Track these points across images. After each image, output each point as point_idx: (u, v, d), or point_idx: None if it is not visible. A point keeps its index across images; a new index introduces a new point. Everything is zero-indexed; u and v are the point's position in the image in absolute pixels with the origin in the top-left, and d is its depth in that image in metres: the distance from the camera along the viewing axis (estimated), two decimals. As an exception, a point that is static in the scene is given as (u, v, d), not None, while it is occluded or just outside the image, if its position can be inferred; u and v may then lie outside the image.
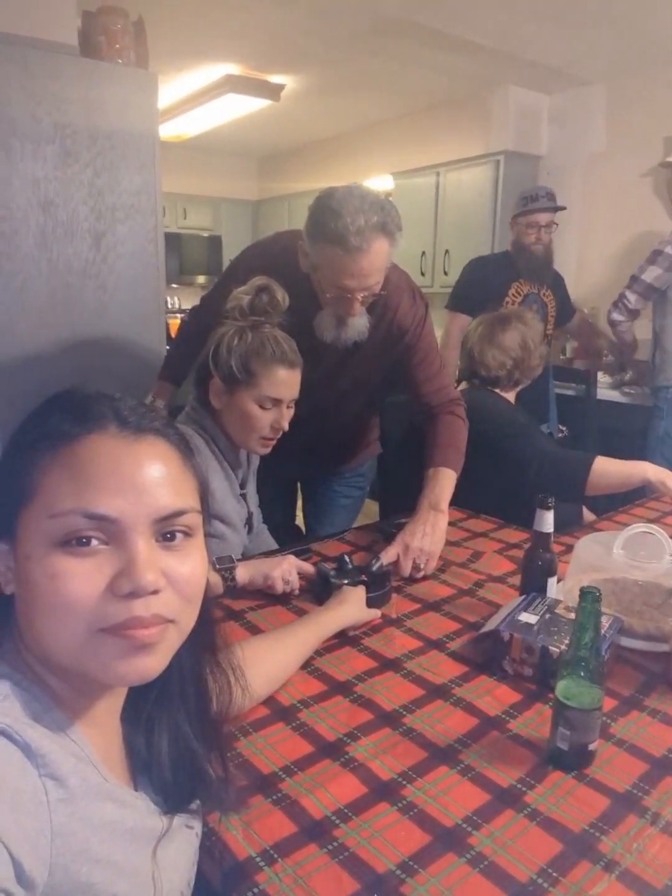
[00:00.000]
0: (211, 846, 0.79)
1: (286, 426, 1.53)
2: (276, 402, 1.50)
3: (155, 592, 0.58)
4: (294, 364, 1.51)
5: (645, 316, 3.26)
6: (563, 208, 3.37)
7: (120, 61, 2.52)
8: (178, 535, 0.61)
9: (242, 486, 1.66)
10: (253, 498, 1.72)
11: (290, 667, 1.13)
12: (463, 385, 2.16)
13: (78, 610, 0.56)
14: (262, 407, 1.50)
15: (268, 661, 1.08)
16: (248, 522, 1.68)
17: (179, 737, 0.71)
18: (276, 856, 0.78)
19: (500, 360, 2.08)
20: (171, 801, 0.69)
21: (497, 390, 2.11)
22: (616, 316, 3.11)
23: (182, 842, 0.71)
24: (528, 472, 1.86)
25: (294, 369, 1.51)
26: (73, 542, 0.56)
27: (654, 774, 0.91)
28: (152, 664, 0.60)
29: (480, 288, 3.18)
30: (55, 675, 0.61)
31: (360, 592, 1.33)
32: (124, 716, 0.70)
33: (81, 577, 0.56)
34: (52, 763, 0.55)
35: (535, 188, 3.35)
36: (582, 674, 0.91)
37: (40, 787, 0.54)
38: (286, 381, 1.50)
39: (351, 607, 1.29)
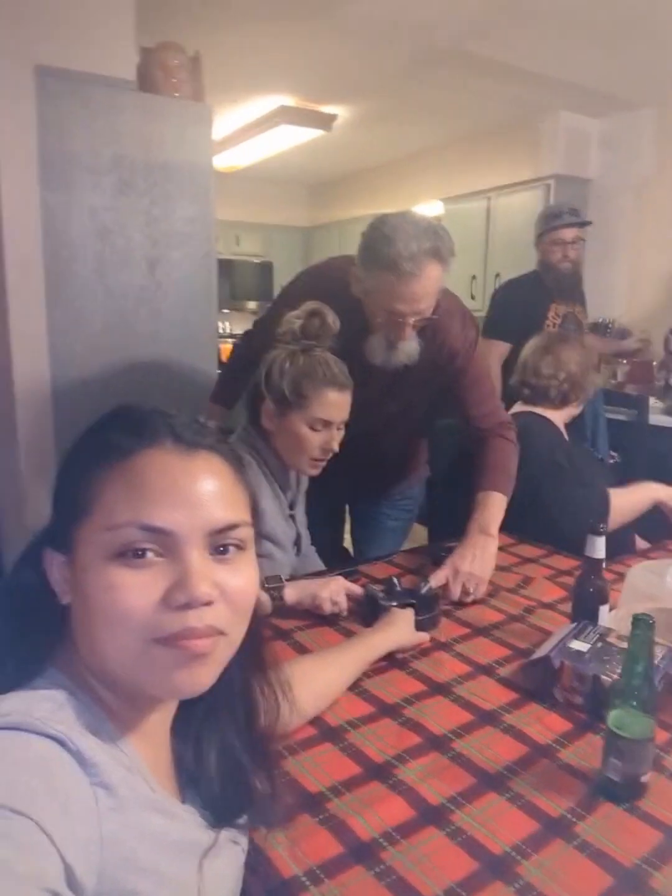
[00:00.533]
0: (256, 864, 0.79)
1: (336, 448, 1.55)
2: (327, 424, 1.52)
3: (208, 604, 0.59)
4: (345, 386, 1.53)
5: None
6: (589, 223, 3.32)
7: (176, 95, 2.60)
8: (231, 549, 0.63)
9: (291, 507, 1.67)
10: (302, 519, 1.73)
11: (339, 686, 1.13)
12: (515, 407, 2.14)
13: (133, 621, 0.57)
14: (313, 429, 1.52)
15: (316, 680, 1.09)
16: (297, 543, 1.70)
17: (228, 750, 0.72)
18: (321, 876, 0.78)
19: (553, 371, 2.06)
20: (219, 815, 0.70)
21: (546, 410, 2.08)
22: None
23: (228, 857, 0.71)
24: (555, 518, 1.85)
25: (345, 392, 1.53)
26: (129, 555, 0.58)
27: (709, 809, 0.89)
28: (204, 676, 0.61)
29: (517, 311, 3.12)
30: (108, 687, 0.62)
31: (409, 615, 1.33)
32: (174, 730, 0.71)
33: (137, 589, 0.57)
34: (103, 772, 0.57)
35: (557, 205, 3.31)
36: (634, 703, 0.89)
37: (92, 795, 0.55)
38: (337, 403, 1.52)
39: (400, 629, 1.29)
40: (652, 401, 3.59)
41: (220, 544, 0.62)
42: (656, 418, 3.54)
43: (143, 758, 0.63)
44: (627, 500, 1.82)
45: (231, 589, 0.62)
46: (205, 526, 0.60)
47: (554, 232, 3.16)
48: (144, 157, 2.45)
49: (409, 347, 1.66)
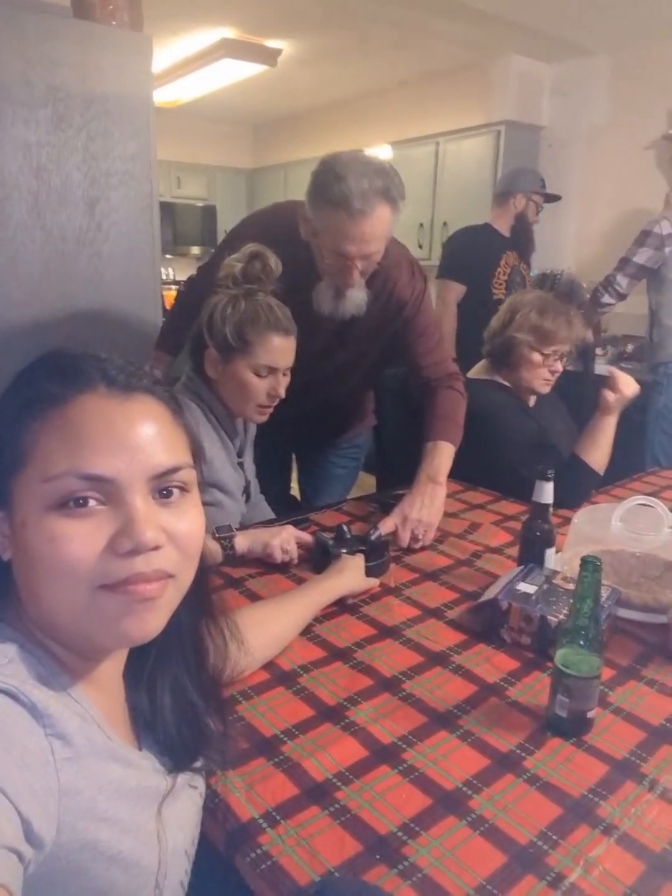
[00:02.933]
0: (214, 808, 0.80)
1: (283, 393, 1.53)
2: (272, 370, 1.50)
3: (156, 549, 0.58)
4: (289, 331, 1.50)
5: (639, 291, 3.25)
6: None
7: (114, 23, 2.46)
8: (175, 492, 0.61)
9: (240, 454, 1.65)
10: (250, 467, 1.71)
11: (290, 632, 1.14)
12: (480, 365, 2.12)
13: (78, 570, 0.56)
14: (258, 375, 1.49)
15: (268, 626, 1.09)
16: (246, 491, 1.68)
17: (180, 693, 0.72)
18: (278, 817, 0.79)
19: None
20: (176, 758, 0.70)
21: (509, 382, 2.04)
22: (607, 299, 3.09)
23: (186, 800, 0.72)
24: (512, 487, 1.84)
25: (289, 336, 1.50)
26: (71, 504, 0.56)
27: (651, 742, 0.92)
28: (153, 621, 0.60)
29: (474, 256, 3.22)
30: (57, 639, 0.61)
31: (358, 561, 1.34)
32: (126, 677, 0.71)
33: (80, 539, 0.56)
34: (57, 723, 0.56)
35: (539, 172, 3.43)
36: (581, 642, 0.91)
37: (47, 746, 0.55)
38: (281, 349, 1.49)
39: (350, 575, 1.29)
40: (597, 351, 3.65)
41: (162, 488, 0.60)
42: (601, 368, 3.61)
43: (97, 707, 0.62)
44: (594, 439, 1.82)
45: (178, 532, 0.60)
46: (146, 470, 0.59)
47: (543, 195, 3.35)
48: (81, 90, 2.32)
49: (357, 297, 1.64)
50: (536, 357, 1.96)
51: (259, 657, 1.06)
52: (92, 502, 0.57)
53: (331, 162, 1.50)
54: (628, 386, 1.80)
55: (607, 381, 1.83)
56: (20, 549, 0.58)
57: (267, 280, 1.50)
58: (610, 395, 1.80)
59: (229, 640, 0.79)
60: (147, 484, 0.59)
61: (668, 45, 3.78)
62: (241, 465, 1.65)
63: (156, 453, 0.60)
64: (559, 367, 2.00)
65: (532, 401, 2.06)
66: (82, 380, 0.60)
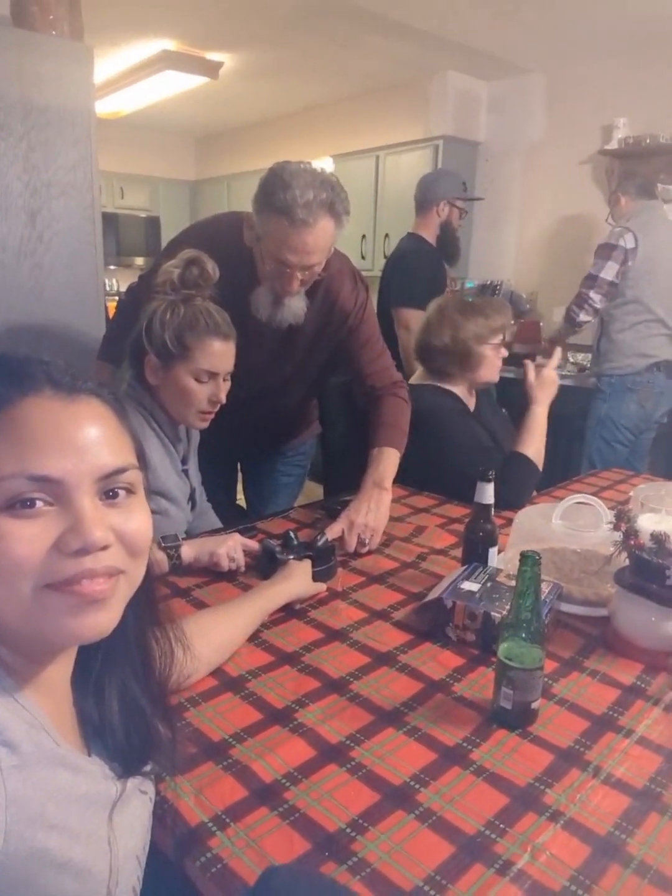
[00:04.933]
0: (163, 814, 0.79)
1: (223, 399, 1.52)
2: (213, 375, 1.49)
3: (104, 548, 0.58)
4: (228, 336, 1.50)
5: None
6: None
7: (54, 33, 2.44)
8: (121, 493, 0.62)
9: (184, 461, 1.64)
10: (195, 474, 1.70)
11: (238, 638, 1.13)
12: (419, 373, 2.15)
13: (24, 569, 0.55)
14: (198, 380, 1.48)
15: (215, 633, 1.09)
16: (192, 499, 1.67)
17: (128, 697, 0.71)
18: (228, 820, 0.78)
19: (447, 342, 2.03)
20: (126, 763, 0.69)
21: (447, 383, 2.07)
22: (583, 317, 3.11)
23: (137, 806, 0.71)
24: (454, 490, 1.88)
25: (228, 341, 1.50)
26: (18, 506, 0.56)
27: (595, 730, 0.95)
28: (105, 619, 0.60)
29: (427, 278, 3.12)
30: (4, 643, 0.60)
31: (305, 566, 1.34)
32: (74, 683, 0.69)
33: (28, 539, 0.56)
34: (4, 730, 0.55)
35: (457, 173, 3.36)
36: (523, 635, 0.93)
37: None
38: (221, 354, 1.49)
39: (297, 581, 1.30)
40: (538, 359, 3.73)
41: (109, 489, 0.61)
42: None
43: (45, 712, 0.61)
44: (538, 446, 1.89)
45: (125, 531, 0.61)
46: (93, 471, 0.59)
47: (468, 201, 3.30)
48: (21, 99, 2.29)
49: (295, 305, 1.65)
50: (489, 351, 2.03)
51: (206, 664, 1.06)
52: (39, 503, 0.57)
53: (279, 170, 1.51)
54: (538, 376, 1.94)
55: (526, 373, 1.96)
56: None
57: (205, 285, 1.50)
58: (531, 379, 1.94)
59: (176, 646, 0.79)
60: (94, 485, 0.59)
61: (600, 64, 3.92)
62: (185, 472, 1.64)
63: (102, 455, 0.60)
64: (504, 351, 2.09)
65: (472, 403, 2.10)
66: (27, 382, 0.60)
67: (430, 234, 3.23)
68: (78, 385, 0.62)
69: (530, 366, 1.97)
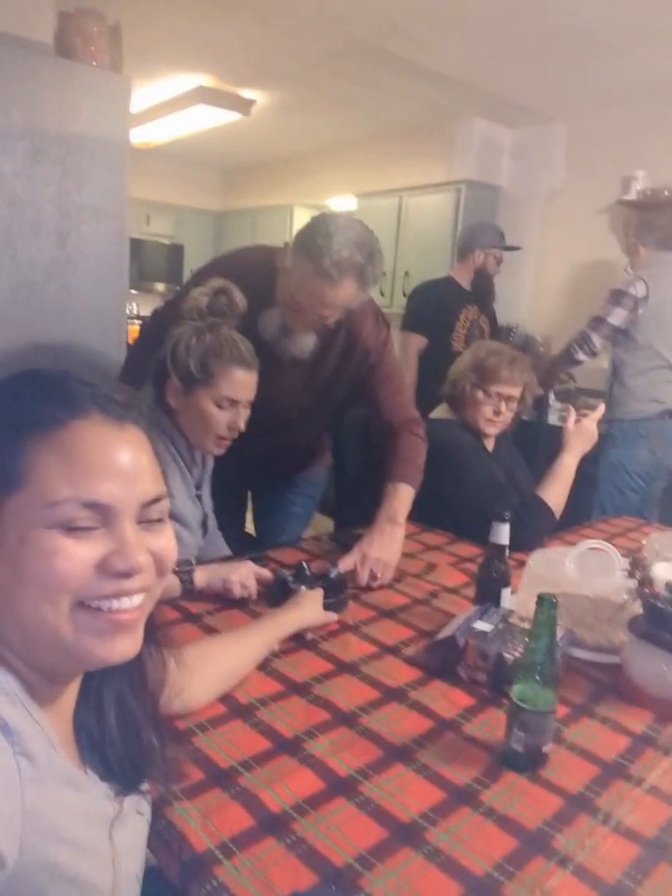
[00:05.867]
0: (169, 839, 0.79)
1: (243, 426, 1.54)
2: (233, 403, 1.51)
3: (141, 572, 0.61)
4: (251, 365, 1.52)
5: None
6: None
7: (94, 64, 2.52)
8: (156, 518, 0.64)
9: (198, 487, 1.65)
10: (208, 500, 1.71)
11: (246, 665, 1.13)
12: (441, 407, 2.17)
13: (69, 585, 0.58)
14: (219, 406, 1.50)
15: (224, 657, 1.09)
16: (204, 524, 1.68)
17: (125, 709, 0.72)
18: (234, 848, 0.78)
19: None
20: (122, 779, 0.70)
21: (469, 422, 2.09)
22: (581, 356, 3.15)
23: (135, 826, 0.72)
24: (468, 528, 1.88)
25: (251, 371, 1.53)
26: (69, 527, 0.58)
27: (605, 777, 0.94)
28: (131, 644, 0.63)
29: (438, 311, 3.34)
30: (24, 658, 0.61)
31: (317, 595, 1.34)
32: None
33: (77, 556, 0.58)
34: (26, 742, 0.56)
35: (495, 224, 3.61)
36: (537, 677, 0.93)
37: (14, 765, 0.54)
38: (244, 382, 1.51)
39: (307, 609, 1.30)
40: (552, 400, 3.75)
41: (148, 515, 0.63)
42: (555, 419, 3.71)
43: (53, 728, 0.62)
44: (556, 482, 1.90)
45: (157, 554, 0.64)
46: (139, 497, 0.62)
47: (503, 250, 3.56)
48: (59, 126, 2.36)
49: (303, 342, 1.69)
50: (479, 395, 2.03)
51: (214, 689, 1.06)
52: (87, 523, 0.59)
53: (328, 217, 1.55)
54: (578, 425, 1.93)
55: (567, 419, 1.94)
56: (8, 563, 0.58)
57: (231, 314, 1.53)
58: (569, 426, 1.93)
59: (167, 656, 0.79)
60: (137, 511, 0.62)
61: (620, 116, 3.99)
62: (199, 497, 1.66)
63: (146, 482, 0.63)
64: (503, 408, 2.04)
65: (491, 444, 2.11)
66: (77, 404, 0.61)
67: (464, 278, 3.54)
68: (124, 413, 0.64)
69: (572, 413, 1.97)
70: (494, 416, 2.05)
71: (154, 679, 0.76)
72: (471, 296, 3.53)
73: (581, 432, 1.95)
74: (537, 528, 1.82)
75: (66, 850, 0.58)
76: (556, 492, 1.88)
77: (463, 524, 1.90)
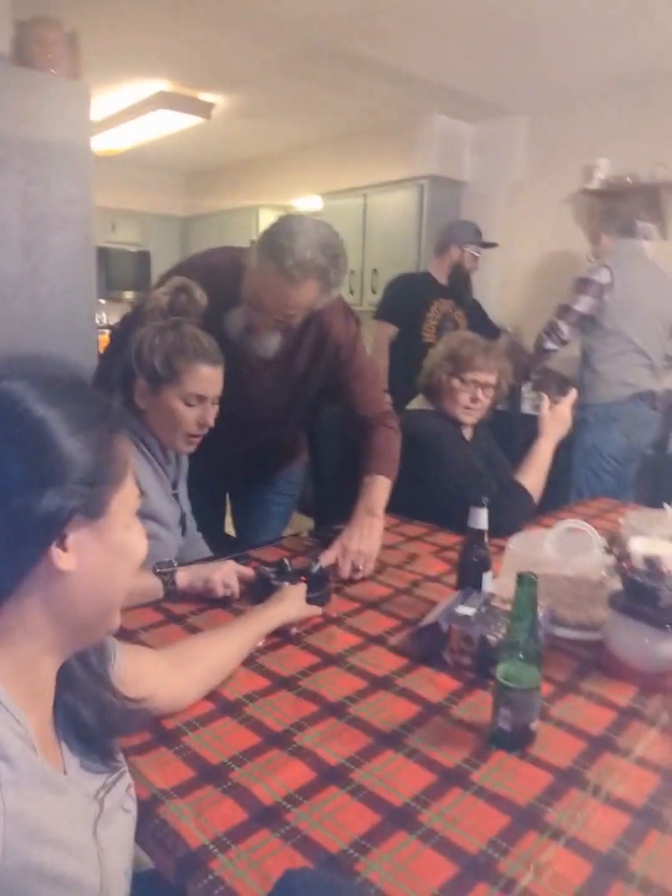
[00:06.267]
0: (163, 837, 0.79)
1: (211, 422, 1.54)
2: (201, 399, 1.51)
3: None
4: (216, 361, 1.52)
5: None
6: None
7: (53, 71, 2.50)
8: None
9: (174, 486, 1.65)
10: (185, 500, 1.70)
11: (232, 660, 1.13)
12: (418, 398, 2.19)
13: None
14: (187, 404, 1.50)
15: (209, 655, 1.09)
16: (182, 523, 1.67)
17: (88, 670, 0.74)
18: (228, 842, 0.78)
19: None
20: (98, 748, 0.71)
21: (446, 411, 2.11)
22: (551, 345, 3.19)
23: (121, 824, 0.72)
24: (447, 514, 1.86)
25: (217, 366, 1.52)
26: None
27: (593, 751, 0.95)
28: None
29: (409, 302, 3.40)
30: (64, 643, 0.66)
31: (299, 590, 1.35)
32: None
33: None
34: (3, 745, 0.56)
35: (473, 222, 3.67)
36: (520, 656, 0.94)
37: None
38: (210, 378, 1.51)
39: (291, 604, 1.30)
40: (524, 390, 3.79)
41: None
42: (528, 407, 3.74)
43: (31, 721, 0.62)
44: (533, 466, 1.92)
45: None
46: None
47: (478, 246, 3.60)
48: (20, 134, 2.35)
49: (267, 341, 1.69)
50: (455, 384, 2.06)
51: (200, 688, 1.06)
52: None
53: (292, 219, 1.56)
54: (552, 411, 1.98)
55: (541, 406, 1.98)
56: (114, 551, 0.65)
57: (193, 312, 1.52)
58: (544, 412, 1.97)
59: None
60: None
61: (580, 108, 4.04)
62: (175, 496, 1.65)
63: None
64: (480, 396, 2.07)
65: (469, 433, 2.13)
66: (116, 418, 0.70)
67: (441, 274, 3.61)
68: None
69: (546, 400, 2.00)
70: (472, 404, 2.07)
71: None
72: (446, 290, 3.58)
73: (556, 418, 1.98)
74: (517, 513, 1.84)
75: (50, 850, 0.58)
76: (533, 476, 1.90)
77: (443, 512, 1.91)
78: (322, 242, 1.53)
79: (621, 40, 3.24)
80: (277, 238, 1.52)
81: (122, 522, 0.66)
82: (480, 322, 3.71)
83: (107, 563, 0.65)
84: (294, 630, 1.29)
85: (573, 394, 2.05)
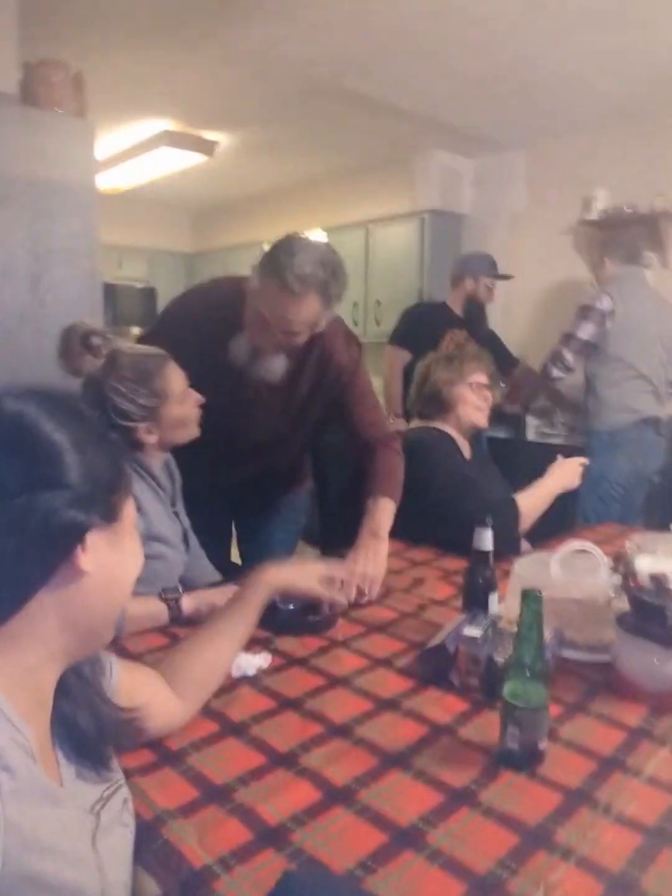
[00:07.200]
0: (166, 857, 0.78)
1: (201, 398, 1.57)
2: (188, 390, 1.54)
3: None
4: (168, 355, 1.54)
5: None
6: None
7: (58, 110, 2.57)
8: None
9: (172, 504, 1.65)
10: (184, 515, 1.69)
11: (222, 661, 1.08)
12: (414, 421, 2.20)
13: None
14: (182, 402, 1.53)
15: (195, 667, 1.04)
16: (185, 540, 1.66)
17: (82, 682, 0.74)
18: (232, 862, 0.76)
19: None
20: (94, 757, 0.71)
21: (441, 424, 2.14)
22: (557, 373, 3.21)
23: (120, 837, 0.72)
24: (449, 534, 1.86)
25: (170, 358, 1.54)
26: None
27: (603, 771, 0.94)
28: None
29: (422, 328, 3.41)
30: (70, 650, 0.67)
31: (280, 564, 1.24)
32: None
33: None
34: (5, 755, 0.56)
35: (488, 255, 3.72)
36: (527, 674, 0.93)
37: None
38: (177, 368, 1.53)
39: (275, 573, 1.18)
40: (529, 419, 3.79)
41: None
42: (533, 435, 3.75)
43: (32, 732, 0.62)
44: (531, 502, 1.91)
45: None
46: None
47: (493, 279, 3.65)
48: (27, 171, 2.40)
49: (273, 364, 1.71)
50: (464, 391, 2.11)
51: (192, 702, 1.02)
52: None
53: (291, 238, 1.59)
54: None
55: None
56: (117, 553, 0.68)
57: (106, 337, 1.47)
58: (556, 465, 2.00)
59: None
60: None
61: (576, 141, 4.11)
62: (176, 514, 1.65)
63: None
64: (488, 395, 2.14)
65: (467, 451, 2.15)
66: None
67: (457, 306, 3.66)
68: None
69: (559, 457, 2.04)
70: (483, 404, 2.13)
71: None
72: (461, 321, 3.57)
73: (563, 465, 2.00)
74: (501, 527, 1.81)
75: (49, 860, 0.58)
76: (530, 498, 1.89)
77: (434, 521, 1.91)
78: (321, 258, 1.56)
79: (615, 73, 3.31)
80: (277, 255, 1.55)
81: (129, 528, 0.70)
82: (496, 353, 3.69)
83: (118, 564, 0.69)
84: (300, 653, 1.28)
85: (584, 460, 2.06)
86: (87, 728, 0.71)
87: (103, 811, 0.70)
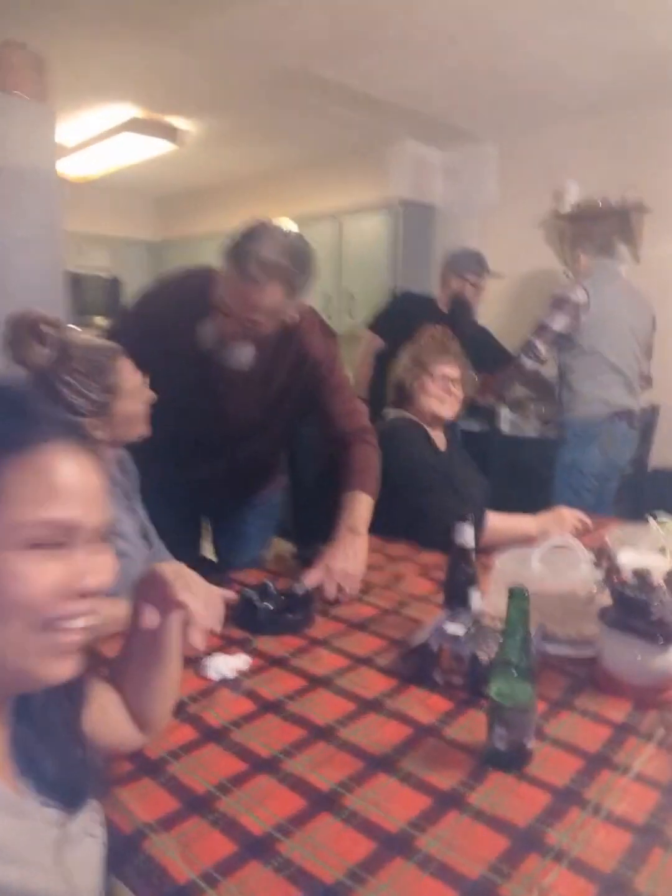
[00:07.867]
0: (149, 873, 0.75)
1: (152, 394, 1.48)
2: (141, 387, 1.45)
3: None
4: (121, 350, 1.45)
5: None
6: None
7: (17, 93, 2.49)
8: (104, 540, 0.66)
9: (127, 497, 1.59)
10: (141, 510, 1.64)
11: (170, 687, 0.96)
12: (390, 413, 2.19)
13: (36, 605, 0.58)
14: (141, 399, 1.45)
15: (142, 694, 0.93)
16: (145, 536, 1.61)
17: (56, 727, 0.69)
18: (218, 876, 0.74)
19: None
20: (63, 794, 0.67)
21: (415, 414, 2.12)
22: (529, 364, 3.21)
23: (88, 848, 0.70)
24: (426, 529, 1.86)
25: (127, 355, 1.46)
26: (34, 549, 0.59)
27: (591, 768, 0.93)
28: (76, 664, 0.63)
29: (400, 318, 3.34)
30: None
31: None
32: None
33: (44, 577, 0.59)
34: None
35: (478, 253, 3.64)
36: (514, 672, 0.92)
37: None
38: (129, 363, 1.44)
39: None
40: (504, 411, 3.80)
41: (103, 536, 0.66)
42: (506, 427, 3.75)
43: None
44: (510, 525, 1.85)
45: (110, 574, 0.65)
46: (99, 519, 0.64)
47: (480, 276, 3.57)
48: (-16, 156, 2.33)
49: (240, 353, 1.68)
50: (426, 381, 2.10)
51: (152, 725, 0.94)
52: (54, 546, 0.60)
53: (258, 224, 1.56)
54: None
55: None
56: None
57: (59, 327, 1.39)
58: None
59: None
60: (96, 532, 0.64)
61: (548, 133, 4.11)
62: (132, 509, 1.60)
63: (104, 505, 0.65)
64: (452, 389, 2.12)
65: (441, 443, 2.15)
66: (44, 427, 0.63)
67: (443, 303, 3.58)
68: (85, 438, 0.66)
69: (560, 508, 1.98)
70: (445, 395, 2.11)
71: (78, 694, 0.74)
72: (444, 317, 3.46)
73: (559, 511, 1.94)
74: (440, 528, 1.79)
75: (14, 870, 0.57)
76: (502, 521, 1.85)
77: (403, 507, 1.90)
78: (288, 247, 1.53)
79: (588, 65, 3.30)
80: (243, 242, 1.53)
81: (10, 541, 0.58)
82: (487, 349, 3.62)
83: None
84: (280, 652, 1.25)
85: (584, 517, 1.97)
86: (53, 776, 0.66)
87: (70, 823, 0.66)
